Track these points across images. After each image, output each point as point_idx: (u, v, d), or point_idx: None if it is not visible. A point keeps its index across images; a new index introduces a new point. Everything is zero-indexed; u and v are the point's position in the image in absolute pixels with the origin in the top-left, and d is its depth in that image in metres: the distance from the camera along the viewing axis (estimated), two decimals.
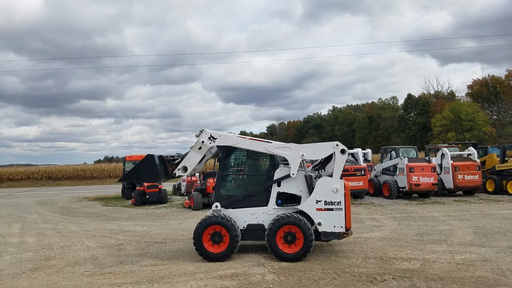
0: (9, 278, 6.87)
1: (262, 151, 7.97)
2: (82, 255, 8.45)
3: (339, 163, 7.64)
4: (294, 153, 7.79)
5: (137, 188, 19.17)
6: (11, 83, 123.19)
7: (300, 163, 7.87)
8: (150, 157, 8.02)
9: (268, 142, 7.97)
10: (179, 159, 8.30)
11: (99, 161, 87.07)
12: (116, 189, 28.56)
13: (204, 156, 8.23)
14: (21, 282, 6.63)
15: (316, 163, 8.93)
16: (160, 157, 8.16)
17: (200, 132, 8.03)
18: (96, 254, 8.55)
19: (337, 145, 7.70)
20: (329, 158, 8.15)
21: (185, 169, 8.09)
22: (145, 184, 18.79)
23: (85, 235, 10.89)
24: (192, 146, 8.07)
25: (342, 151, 7.65)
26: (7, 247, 9.67)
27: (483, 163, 19.90)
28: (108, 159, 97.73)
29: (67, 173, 49.53)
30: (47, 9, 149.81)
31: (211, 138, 7.99)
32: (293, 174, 7.75)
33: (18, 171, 50.14)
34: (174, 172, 8.19)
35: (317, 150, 7.93)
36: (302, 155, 7.76)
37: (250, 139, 8.09)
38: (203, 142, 7.97)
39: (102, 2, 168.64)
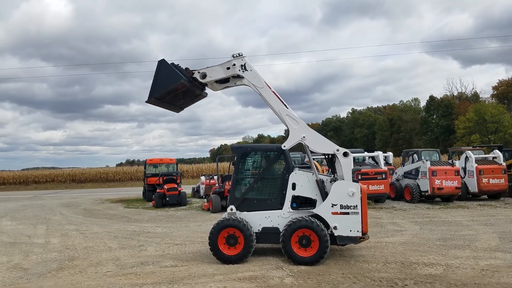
0: (35, 277, 7.09)
1: (275, 110, 7.82)
2: (105, 256, 8.63)
3: (346, 166, 7.57)
4: (298, 130, 7.73)
5: (158, 190, 19.46)
6: (41, 89, 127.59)
7: (313, 168, 7.80)
8: (162, 61, 7.78)
9: (285, 106, 7.84)
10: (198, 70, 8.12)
11: (121, 164, 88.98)
12: (137, 191, 29.03)
13: (229, 81, 8.10)
14: (46, 281, 6.83)
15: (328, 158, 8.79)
16: (172, 63, 7.88)
17: (238, 55, 7.88)
18: (118, 255, 8.72)
19: (337, 150, 7.64)
20: (332, 159, 8.08)
21: (204, 75, 7.97)
22: (165, 187, 19.06)
23: (108, 236, 11.12)
24: (222, 62, 7.95)
25: (345, 154, 7.58)
26: (33, 247, 9.96)
27: (509, 166, 19.27)
28: (130, 162, 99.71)
29: (90, 176, 50.94)
30: (75, 18, 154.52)
31: (243, 67, 7.85)
32: (284, 146, 7.79)
33: (43, 174, 51.80)
34: (193, 72, 8.00)
35: (318, 141, 7.79)
36: (304, 137, 7.69)
37: (273, 92, 7.88)
38: (234, 64, 7.84)
39: (128, 11, 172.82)
